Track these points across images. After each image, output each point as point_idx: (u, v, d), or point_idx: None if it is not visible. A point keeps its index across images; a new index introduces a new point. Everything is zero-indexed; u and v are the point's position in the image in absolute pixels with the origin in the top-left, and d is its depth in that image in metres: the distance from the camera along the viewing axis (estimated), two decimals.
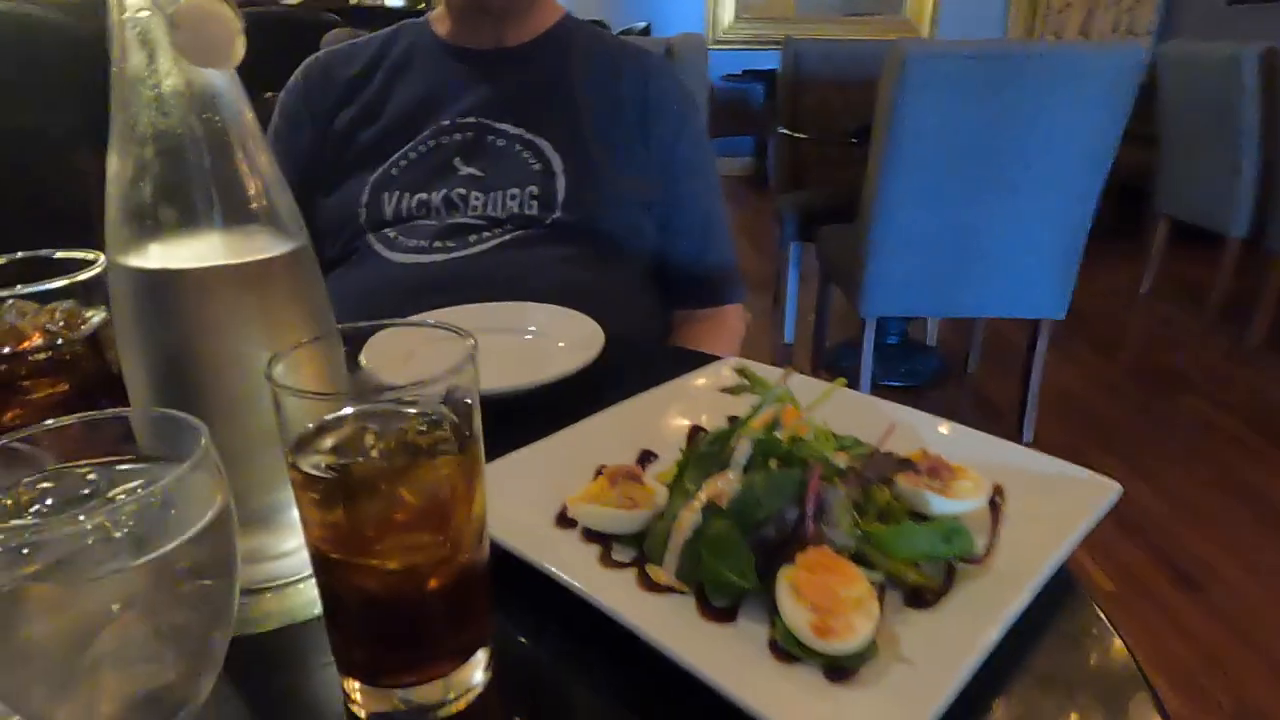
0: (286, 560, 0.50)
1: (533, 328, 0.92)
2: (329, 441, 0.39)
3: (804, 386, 0.67)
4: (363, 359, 0.46)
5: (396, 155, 1.17)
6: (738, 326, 1.25)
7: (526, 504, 0.57)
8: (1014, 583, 0.48)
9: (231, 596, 0.37)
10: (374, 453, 0.39)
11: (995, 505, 0.57)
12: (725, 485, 0.49)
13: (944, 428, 0.65)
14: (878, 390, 2.89)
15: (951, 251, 2.36)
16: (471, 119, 1.16)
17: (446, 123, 1.17)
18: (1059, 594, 0.51)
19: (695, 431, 0.68)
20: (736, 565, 0.47)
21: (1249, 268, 3.43)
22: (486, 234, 1.11)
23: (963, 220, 2.31)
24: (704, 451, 0.53)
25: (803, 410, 0.55)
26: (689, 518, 0.49)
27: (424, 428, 0.40)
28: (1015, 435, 2.64)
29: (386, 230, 1.14)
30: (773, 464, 0.51)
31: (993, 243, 2.34)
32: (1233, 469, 2.47)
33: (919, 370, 3.11)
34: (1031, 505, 0.56)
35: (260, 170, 0.47)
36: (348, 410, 0.40)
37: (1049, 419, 2.70)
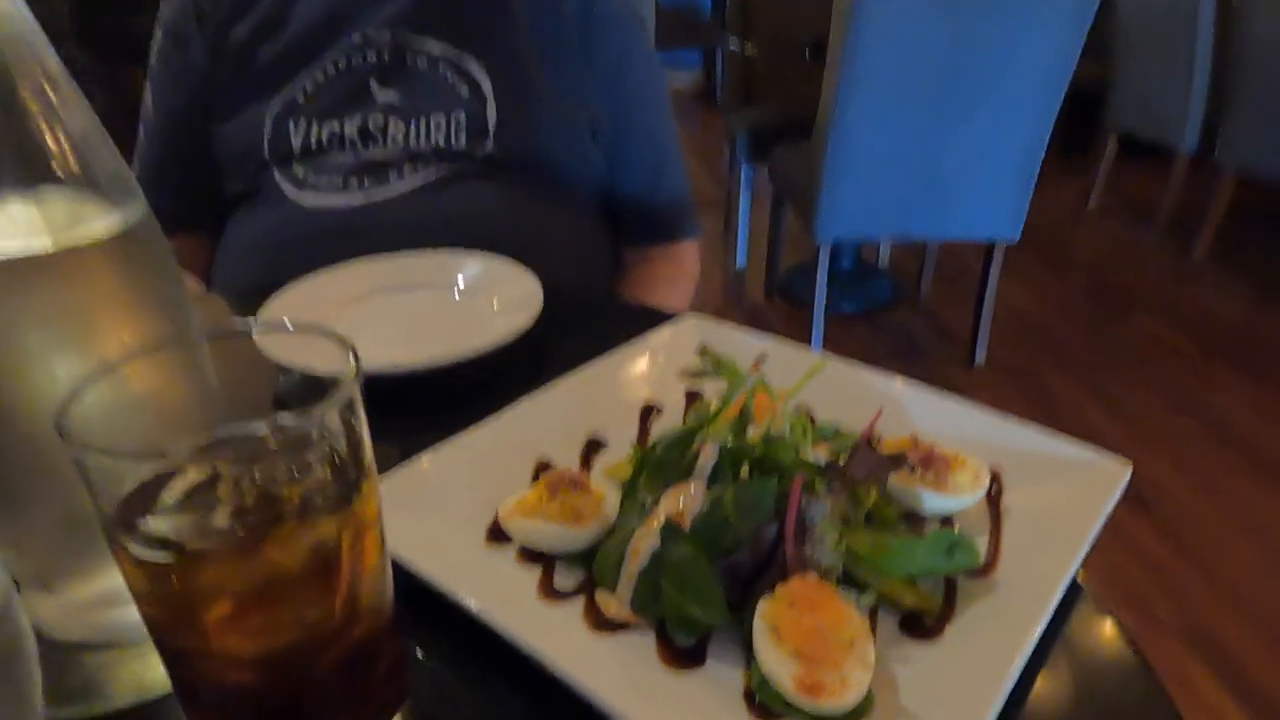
0: None
1: (461, 283, 0.81)
2: (165, 500, 0.29)
3: (779, 356, 0.58)
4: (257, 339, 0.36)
5: (302, 77, 1.03)
6: (694, 266, 1.15)
7: (452, 514, 0.48)
8: (1025, 600, 0.41)
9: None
10: (224, 520, 0.29)
11: (994, 498, 0.49)
12: (688, 501, 0.41)
13: (935, 400, 0.57)
14: (831, 317, 2.84)
15: (909, 172, 2.27)
16: (388, 34, 1.02)
17: (358, 38, 1.02)
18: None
19: (648, 411, 0.59)
20: (703, 598, 0.39)
21: (1196, 183, 3.43)
22: (409, 170, 0.99)
23: (921, 139, 2.22)
24: (662, 457, 0.45)
25: (777, 396, 0.46)
26: (645, 540, 0.41)
27: (294, 470, 0.30)
28: (969, 359, 2.62)
29: (294, 166, 1.00)
30: (744, 472, 0.43)
31: (949, 162, 2.25)
32: (1181, 385, 2.49)
33: (872, 295, 3.06)
34: (1035, 495, 0.49)
35: (67, 122, 0.35)
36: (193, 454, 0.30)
37: (1002, 341, 2.68)
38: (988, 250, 2.48)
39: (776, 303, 3.09)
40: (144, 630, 0.32)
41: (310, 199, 0.97)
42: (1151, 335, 2.82)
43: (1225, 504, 1.99)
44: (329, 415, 0.29)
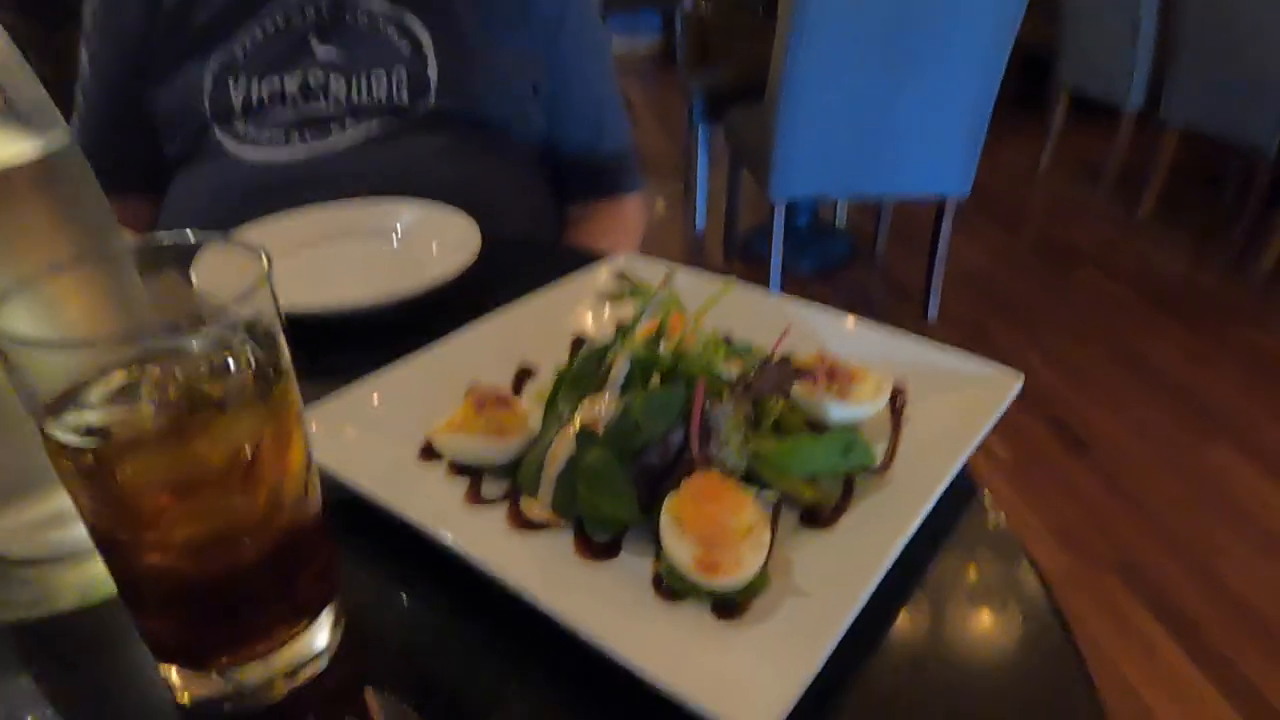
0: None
1: (399, 229, 0.82)
2: (92, 398, 0.31)
3: (695, 286, 0.61)
4: (194, 278, 0.38)
5: (241, 34, 1.02)
6: (637, 219, 1.17)
7: (388, 435, 0.51)
8: (913, 492, 0.45)
9: None
10: (147, 411, 0.31)
11: (897, 407, 0.53)
12: (601, 409, 0.44)
13: (845, 323, 0.61)
14: (788, 276, 2.89)
15: (859, 130, 2.31)
16: None
17: None
18: (958, 495, 0.49)
19: (579, 343, 0.62)
20: (616, 498, 0.42)
21: (1142, 142, 3.51)
22: (351, 124, 0.99)
23: (870, 97, 2.25)
24: (578, 370, 0.48)
25: (689, 316, 0.49)
26: (563, 446, 0.44)
27: (215, 371, 0.33)
28: (922, 314, 2.69)
29: (236, 123, 1.00)
30: (655, 382, 0.46)
31: (899, 119, 2.29)
32: (1123, 336, 2.58)
33: (829, 254, 3.11)
34: (933, 404, 0.53)
35: None
36: (119, 356, 0.32)
37: (954, 297, 2.75)
38: (939, 207, 2.53)
39: (735, 264, 3.13)
40: (89, 543, 0.35)
41: (251, 153, 0.98)
42: (1095, 289, 2.91)
43: (1157, 445, 2.08)
44: (244, 314, 0.32)
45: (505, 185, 1.06)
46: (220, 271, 0.38)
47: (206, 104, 1.00)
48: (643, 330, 0.49)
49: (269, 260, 0.32)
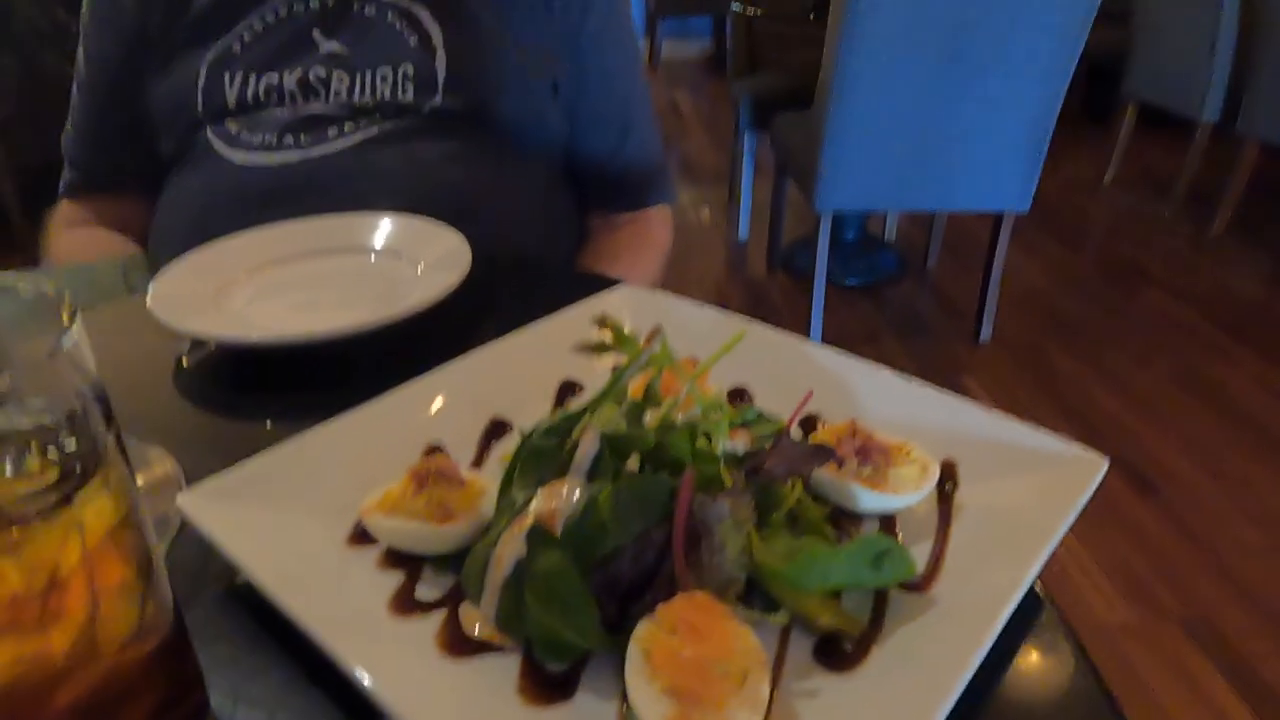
0: None
1: (381, 246, 0.74)
2: None
3: (703, 327, 0.51)
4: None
5: (240, 26, 0.95)
6: (662, 235, 1.08)
7: (317, 508, 0.42)
8: (968, 618, 0.34)
9: None
10: None
11: (945, 494, 0.42)
12: (561, 500, 0.34)
13: (888, 381, 0.50)
14: (834, 289, 2.76)
15: (912, 140, 2.17)
16: None
17: None
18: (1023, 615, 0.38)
19: (567, 391, 0.52)
20: (573, 617, 0.33)
21: (1216, 156, 3.30)
22: (349, 126, 0.91)
23: (925, 105, 2.12)
24: (537, 446, 0.38)
25: (689, 372, 0.39)
26: (510, 546, 0.34)
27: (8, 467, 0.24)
28: (974, 335, 2.54)
29: (228, 123, 0.93)
30: (633, 464, 0.36)
31: (956, 129, 2.15)
32: (1193, 365, 2.40)
33: (877, 268, 2.97)
34: (993, 492, 0.42)
35: None
36: None
37: (1009, 317, 2.59)
38: (996, 221, 2.38)
39: (778, 276, 3.01)
40: None
41: (242, 156, 0.90)
42: (1164, 312, 2.72)
43: (1231, 487, 1.91)
44: (39, 391, 0.23)
45: (520, 194, 0.97)
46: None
47: (200, 99, 0.93)
48: (634, 389, 0.40)
49: (73, 316, 0.24)
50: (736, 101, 3.07)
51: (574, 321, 0.58)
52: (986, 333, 2.53)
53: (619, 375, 0.38)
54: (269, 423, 0.55)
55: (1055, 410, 2.19)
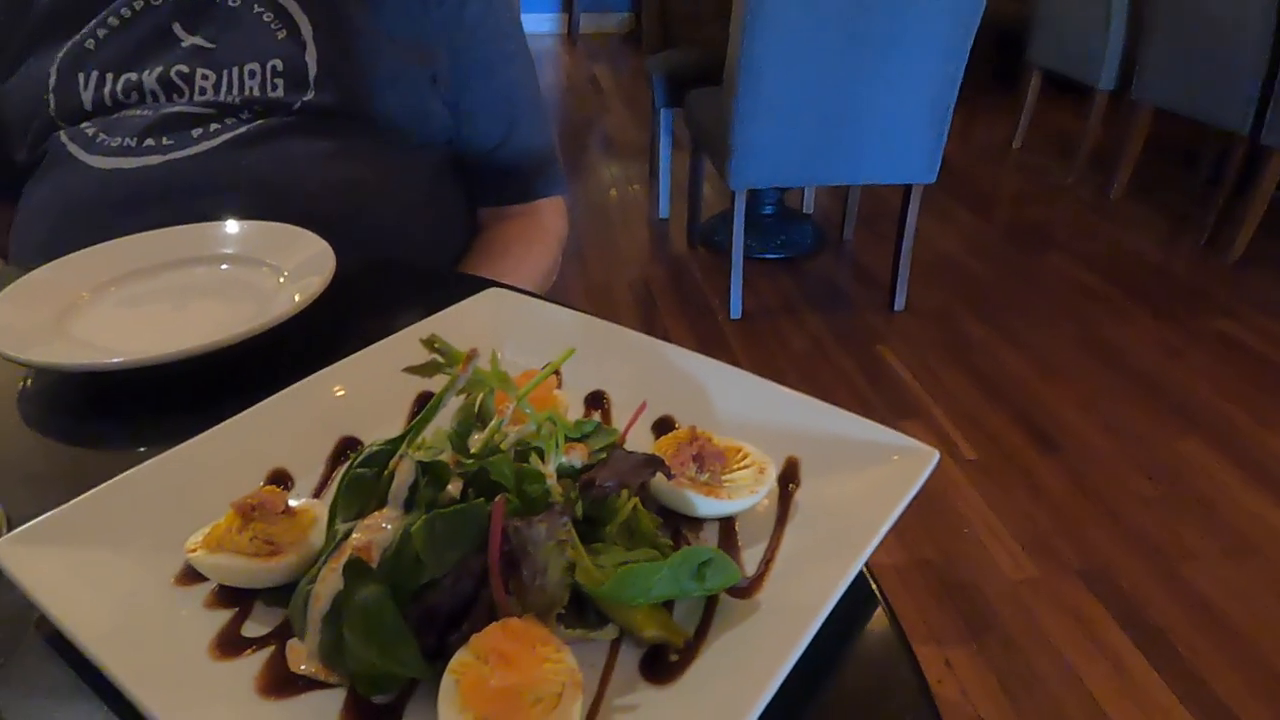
0: None
1: (237, 255, 0.71)
2: None
3: (546, 338, 0.51)
4: None
5: (94, 21, 0.90)
6: (555, 225, 1.06)
7: (147, 548, 0.40)
8: (788, 620, 0.36)
9: None
10: None
11: (787, 494, 0.44)
12: (375, 534, 0.34)
13: (736, 380, 0.51)
14: (753, 263, 2.79)
15: (819, 117, 2.20)
16: None
17: None
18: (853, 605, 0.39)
19: (424, 400, 0.51)
20: (391, 649, 0.32)
21: (1115, 121, 3.43)
22: (215, 125, 0.88)
23: (830, 84, 2.15)
24: (356, 476, 0.37)
25: (514, 397, 0.39)
26: (329, 580, 0.34)
27: None
28: (889, 304, 2.60)
29: (84, 126, 0.88)
30: (453, 492, 0.36)
31: (861, 107, 2.19)
32: (1093, 325, 2.51)
33: (795, 241, 3.01)
34: (829, 489, 0.44)
35: None
36: None
37: (922, 285, 2.66)
38: (905, 194, 2.44)
39: (699, 252, 3.02)
40: None
41: (100, 161, 0.86)
42: (1066, 275, 2.83)
43: (1126, 442, 2.01)
44: None
45: (404, 189, 0.95)
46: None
47: (52, 101, 0.88)
48: (463, 411, 0.39)
49: None
50: (650, 78, 3.05)
51: (442, 327, 0.57)
52: (900, 302, 2.59)
53: (437, 399, 0.38)
54: (128, 451, 0.53)
55: (965, 375, 2.27)
